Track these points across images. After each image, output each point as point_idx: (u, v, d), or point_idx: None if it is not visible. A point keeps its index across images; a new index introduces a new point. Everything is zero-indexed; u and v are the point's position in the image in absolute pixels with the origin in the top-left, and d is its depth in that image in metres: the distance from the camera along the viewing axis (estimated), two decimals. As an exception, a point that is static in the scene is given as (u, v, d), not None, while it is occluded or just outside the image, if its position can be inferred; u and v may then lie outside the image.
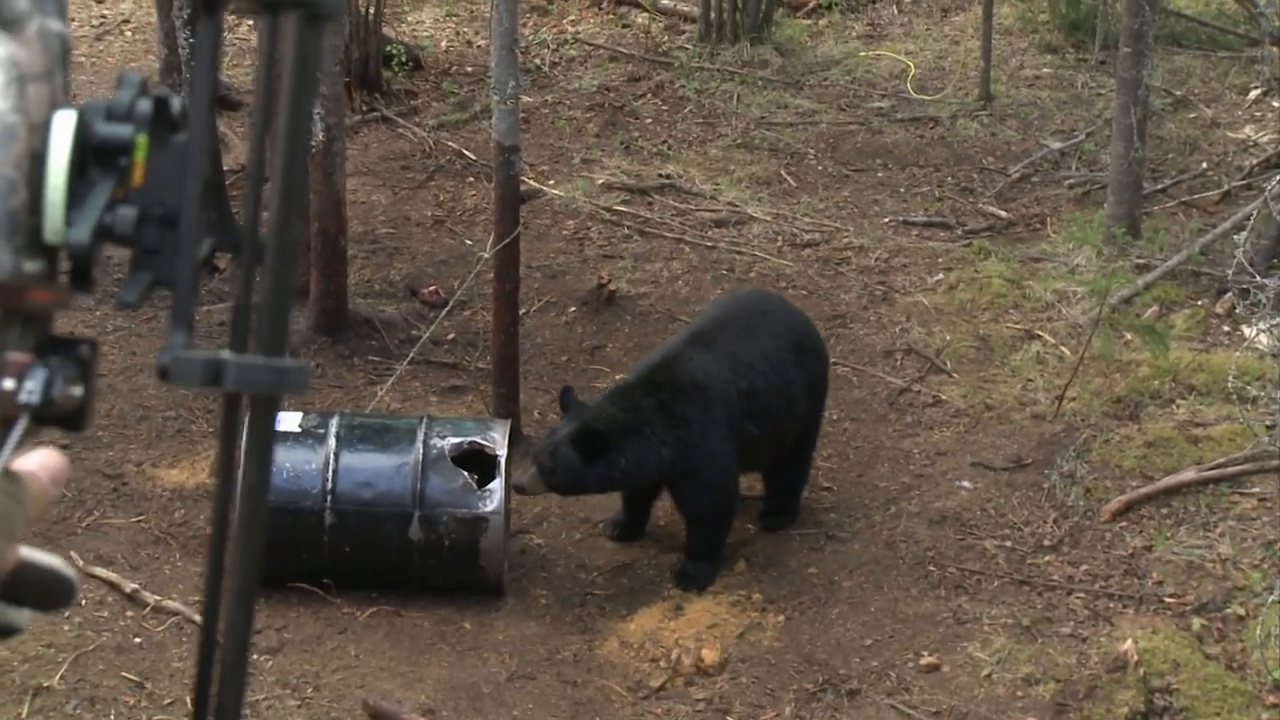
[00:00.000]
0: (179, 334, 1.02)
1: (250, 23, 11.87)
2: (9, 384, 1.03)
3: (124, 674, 6.35)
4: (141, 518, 7.33)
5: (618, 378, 8.47)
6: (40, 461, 1.15)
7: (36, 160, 1.04)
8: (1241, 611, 6.70)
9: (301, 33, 0.98)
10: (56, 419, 1.06)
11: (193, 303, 1.03)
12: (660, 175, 11.13)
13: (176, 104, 1.06)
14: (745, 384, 7.16)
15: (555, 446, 6.84)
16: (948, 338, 9.00)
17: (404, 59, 12.36)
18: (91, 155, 1.04)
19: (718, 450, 7.06)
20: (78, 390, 1.06)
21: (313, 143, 8.43)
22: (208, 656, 1.07)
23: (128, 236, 1.03)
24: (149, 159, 1.04)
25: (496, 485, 6.85)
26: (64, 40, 1.07)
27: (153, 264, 1.04)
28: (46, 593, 1.21)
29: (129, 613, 6.70)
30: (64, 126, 1.03)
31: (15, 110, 1.04)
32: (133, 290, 1.04)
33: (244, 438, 1.01)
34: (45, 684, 6.18)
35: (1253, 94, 11.97)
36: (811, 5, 14.02)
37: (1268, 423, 7.62)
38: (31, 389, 1.03)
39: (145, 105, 1.05)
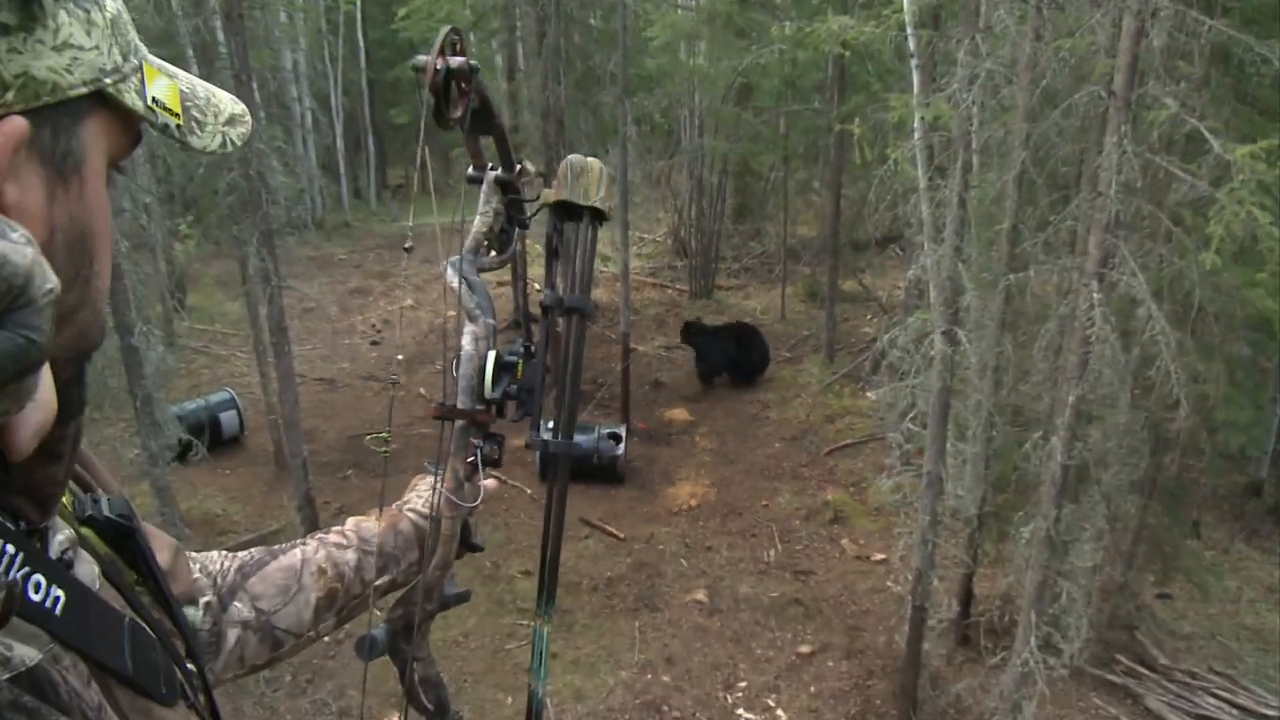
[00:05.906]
0: (533, 431, 2.63)
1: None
2: (477, 442, 2.33)
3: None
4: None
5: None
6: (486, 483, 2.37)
7: (481, 368, 2.64)
8: None
9: (576, 328, 2.47)
10: (485, 463, 2.35)
11: (539, 413, 2.31)
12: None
13: (533, 350, 2.43)
14: None
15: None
16: None
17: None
18: (502, 364, 2.32)
19: None
20: (497, 456, 2.34)
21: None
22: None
23: (515, 397, 2.51)
24: (524, 367, 2.33)
25: (620, 447, 16.25)
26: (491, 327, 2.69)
27: (524, 405, 2.60)
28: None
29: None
30: (490, 356, 2.50)
31: (481, 354, 2.65)
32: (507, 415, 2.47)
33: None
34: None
35: None
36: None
37: None
38: (487, 446, 2.62)
39: (519, 349, 2.63)
